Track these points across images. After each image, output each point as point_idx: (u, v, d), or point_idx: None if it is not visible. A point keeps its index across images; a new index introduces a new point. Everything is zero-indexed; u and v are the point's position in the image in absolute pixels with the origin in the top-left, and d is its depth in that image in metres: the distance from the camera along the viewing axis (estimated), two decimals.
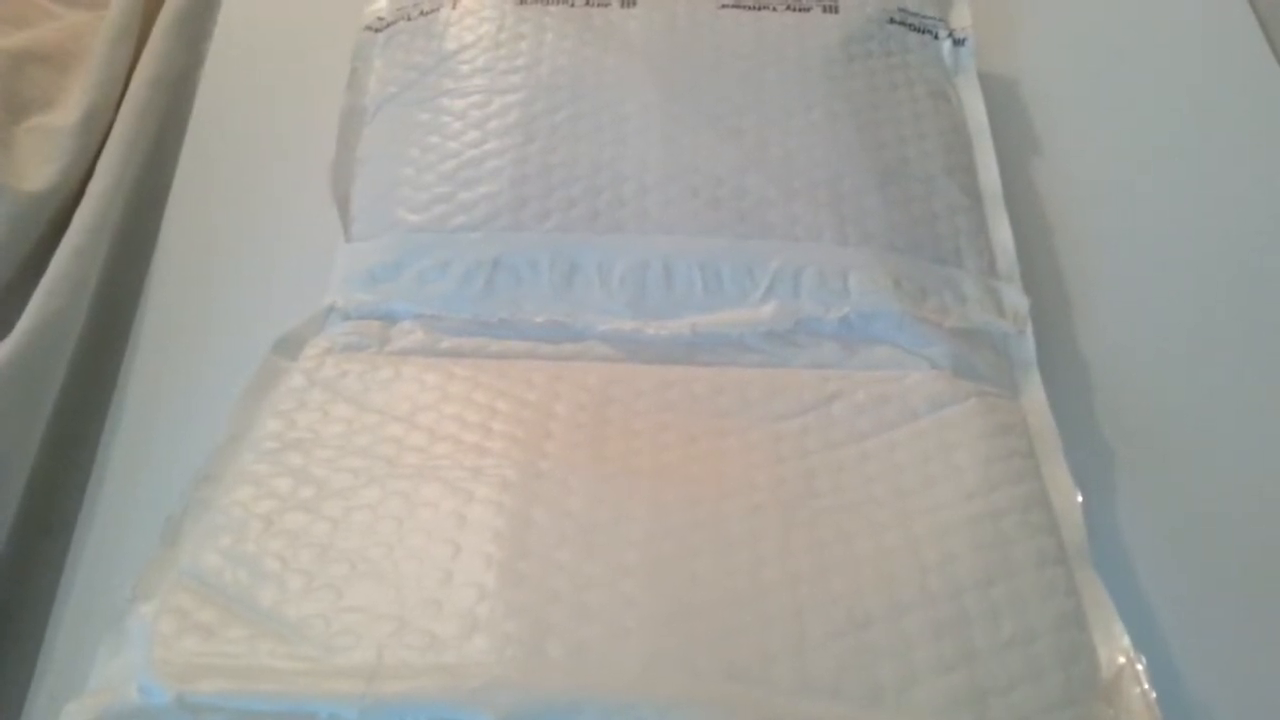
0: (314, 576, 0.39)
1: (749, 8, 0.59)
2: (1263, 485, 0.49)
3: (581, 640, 0.37)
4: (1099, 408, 0.51)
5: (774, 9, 0.59)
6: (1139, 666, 0.39)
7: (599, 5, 0.59)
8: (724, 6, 0.59)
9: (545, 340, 0.49)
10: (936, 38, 0.59)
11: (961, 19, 0.60)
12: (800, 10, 0.58)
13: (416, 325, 0.50)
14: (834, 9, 0.59)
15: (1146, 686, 0.38)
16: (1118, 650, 0.39)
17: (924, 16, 0.59)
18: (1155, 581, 0.45)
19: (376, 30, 0.61)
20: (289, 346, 0.50)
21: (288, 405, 0.46)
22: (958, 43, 0.59)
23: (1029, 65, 0.60)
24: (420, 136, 0.55)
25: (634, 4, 0.59)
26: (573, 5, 0.59)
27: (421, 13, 0.60)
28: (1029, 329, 0.50)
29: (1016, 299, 0.51)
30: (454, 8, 0.60)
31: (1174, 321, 0.54)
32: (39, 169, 0.54)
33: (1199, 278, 0.55)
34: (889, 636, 0.39)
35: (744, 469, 0.44)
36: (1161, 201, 0.58)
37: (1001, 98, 0.60)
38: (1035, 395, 0.49)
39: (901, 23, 0.59)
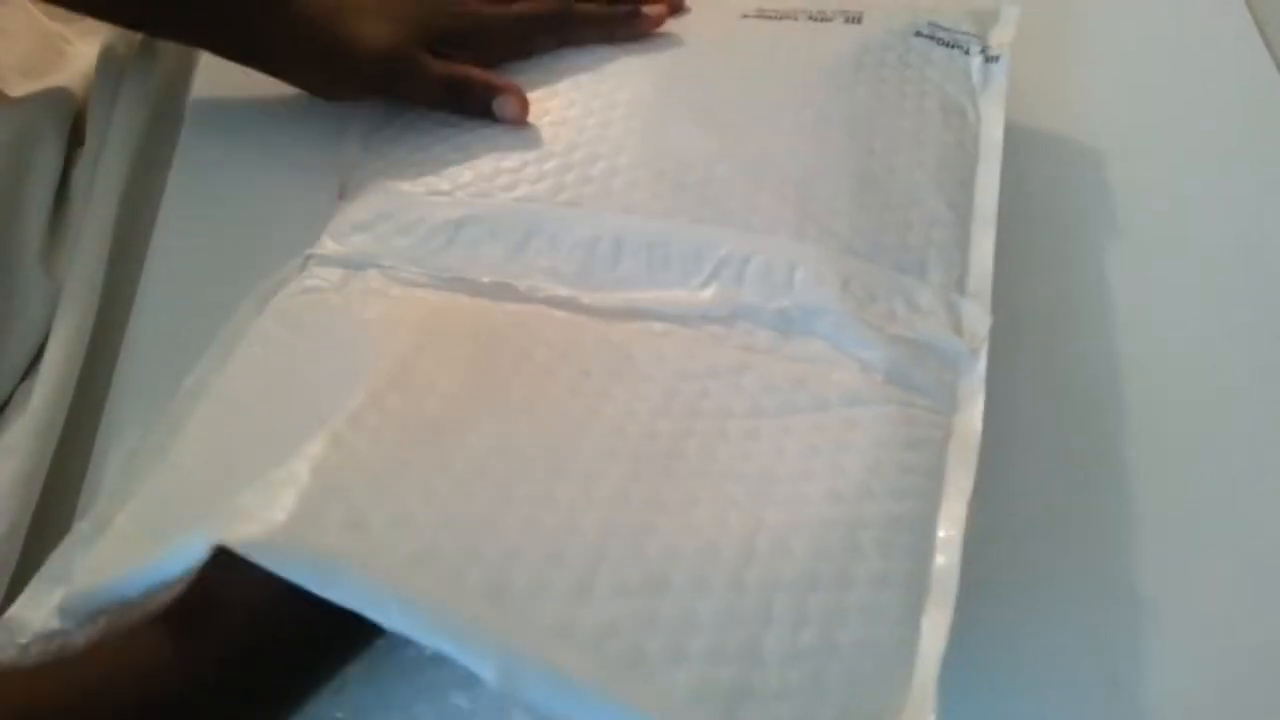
0: None
1: (771, 18, 0.58)
2: (1252, 499, 0.49)
3: (368, 518, 0.36)
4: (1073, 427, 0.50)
5: (795, 19, 0.58)
6: None
7: None
8: (746, 16, 0.58)
9: (491, 299, 0.50)
10: (967, 53, 0.56)
11: (1002, 37, 0.56)
12: (822, 20, 0.57)
13: (376, 275, 0.52)
14: (857, 20, 0.57)
15: None
16: (917, 709, 0.35)
17: (956, 32, 0.56)
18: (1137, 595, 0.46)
19: None
20: (264, 296, 0.51)
21: (255, 349, 0.48)
22: (990, 59, 0.55)
23: (1020, 63, 0.56)
24: (413, 119, 0.56)
25: None
26: None
27: None
28: (983, 350, 0.46)
29: (978, 318, 0.47)
30: None
31: (1169, 329, 0.53)
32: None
33: (1194, 279, 0.54)
34: (678, 610, 0.36)
35: (621, 415, 0.42)
36: (1155, 201, 0.56)
37: None
38: (971, 418, 0.44)
39: (930, 36, 0.56)
